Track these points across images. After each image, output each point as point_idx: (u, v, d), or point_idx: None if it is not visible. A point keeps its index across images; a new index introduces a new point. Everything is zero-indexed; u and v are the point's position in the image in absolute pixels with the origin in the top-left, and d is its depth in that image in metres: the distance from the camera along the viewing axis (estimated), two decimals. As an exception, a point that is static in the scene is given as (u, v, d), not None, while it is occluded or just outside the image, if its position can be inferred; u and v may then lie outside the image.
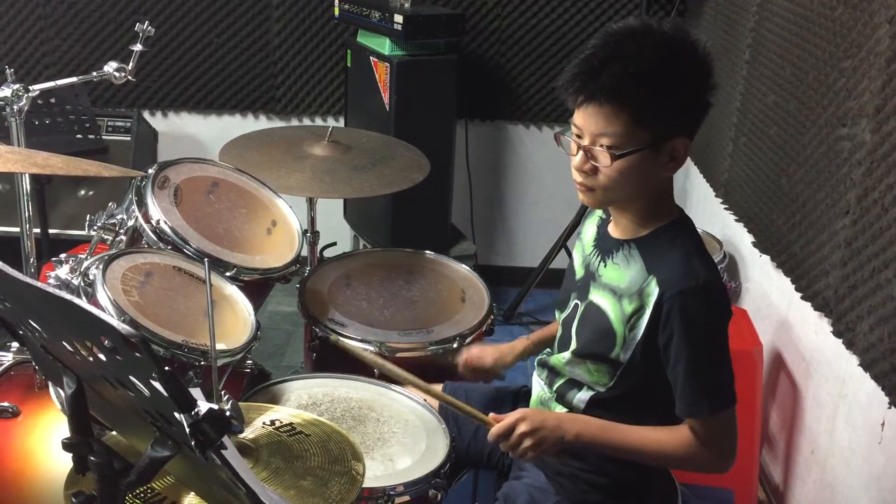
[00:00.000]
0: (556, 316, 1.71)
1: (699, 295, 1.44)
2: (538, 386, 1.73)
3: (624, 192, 1.48)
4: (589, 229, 1.69)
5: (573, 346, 1.61)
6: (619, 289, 1.52)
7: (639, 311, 1.48)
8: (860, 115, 1.97)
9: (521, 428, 1.52)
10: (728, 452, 1.50)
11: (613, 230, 1.59)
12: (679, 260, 1.46)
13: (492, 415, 1.58)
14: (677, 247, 1.49)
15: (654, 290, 1.46)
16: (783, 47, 2.46)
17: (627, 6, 3.46)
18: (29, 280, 0.93)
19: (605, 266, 1.57)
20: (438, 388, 1.85)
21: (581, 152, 1.46)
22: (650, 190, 1.50)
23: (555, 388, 1.66)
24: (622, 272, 1.53)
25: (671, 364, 1.47)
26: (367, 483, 1.45)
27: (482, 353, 1.88)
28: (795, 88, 2.35)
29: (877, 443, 1.91)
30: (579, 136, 1.46)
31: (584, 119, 1.43)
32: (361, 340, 2.02)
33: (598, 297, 1.57)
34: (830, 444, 2.14)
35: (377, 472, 1.60)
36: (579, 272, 1.65)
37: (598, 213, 1.67)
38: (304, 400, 1.80)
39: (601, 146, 1.42)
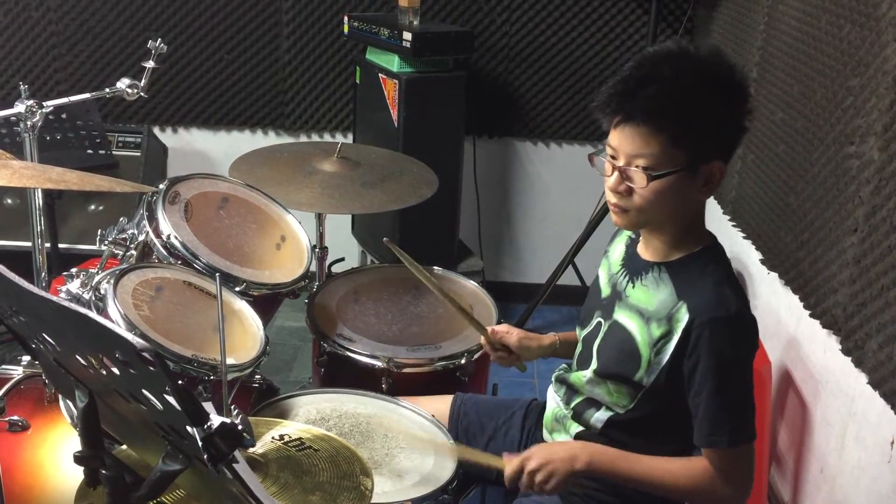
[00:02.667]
0: (578, 333, 1.71)
1: (729, 325, 1.44)
2: (554, 402, 1.73)
3: (658, 214, 1.47)
4: (617, 248, 1.68)
5: (594, 365, 1.60)
6: (648, 311, 1.52)
7: (667, 336, 1.48)
8: (868, 133, 1.97)
9: (530, 466, 1.53)
10: (743, 487, 1.49)
11: (643, 251, 1.59)
12: (711, 288, 1.46)
13: (505, 456, 1.58)
14: (709, 274, 1.48)
15: (683, 317, 1.45)
16: (791, 65, 2.47)
17: (635, 24, 3.48)
18: (45, 294, 0.94)
19: (633, 287, 1.57)
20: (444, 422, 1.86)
21: (616, 173, 1.45)
22: (683, 213, 1.49)
23: (572, 406, 1.66)
24: (651, 295, 1.53)
25: (694, 392, 1.46)
26: (376, 498, 1.45)
27: (509, 331, 1.85)
28: (803, 106, 2.36)
29: (886, 461, 1.90)
30: (614, 157, 1.46)
31: (621, 139, 1.43)
32: (370, 356, 2.03)
33: (623, 317, 1.56)
34: (840, 463, 2.13)
35: (385, 488, 1.60)
36: (605, 290, 1.65)
37: (627, 232, 1.67)
38: (312, 415, 1.80)
39: (637, 167, 1.42)
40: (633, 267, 1.59)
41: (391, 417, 1.82)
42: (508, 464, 1.56)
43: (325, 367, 2.09)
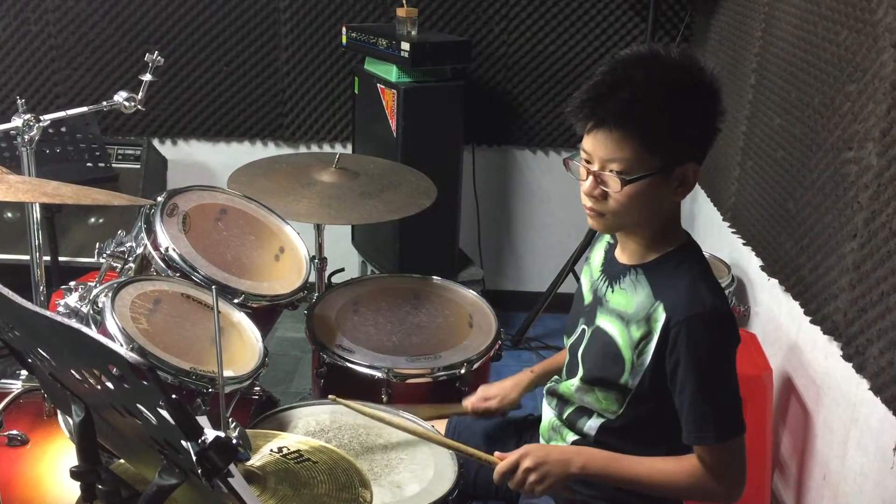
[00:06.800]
0: (564, 342, 1.71)
1: (705, 321, 1.43)
2: (549, 412, 1.72)
3: (633, 217, 1.48)
4: (597, 254, 1.69)
5: (580, 372, 1.60)
6: (627, 314, 1.52)
7: (646, 338, 1.48)
8: (866, 138, 1.97)
9: (525, 463, 1.52)
10: (736, 482, 1.49)
11: (620, 255, 1.59)
12: (686, 286, 1.46)
13: (496, 454, 1.57)
14: (684, 272, 1.49)
15: (661, 317, 1.45)
16: (788, 71, 2.47)
17: (633, 32, 3.48)
18: (38, 309, 0.93)
19: (612, 291, 1.57)
20: (441, 428, 1.86)
21: (591, 177, 1.46)
22: (659, 215, 1.50)
23: (565, 417, 1.66)
24: (629, 298, 1.53)
25: (678, 390, 1.46)
26: (375, 510, 1.44)
27: (487, 396, 1.86)
28: (801, 112, 2.36)
29: (889, 468, 1.90)
30: (588, 162, 1.46)
31: (594, 144, 1.44)
32: (369, 366, 2.03)
33: (605, 322, 1.56)
34: (842, 469, 2.12)
35: (385, 500, 1.59)
36: (587, 297, 1.65)
37: (606, 238, 1.67)
38: (311, 426, 1.80)
39: (611, 171, 1.42)
40: (612, 271, 1.59)
41: (391, 428, 1.81)
42: (502, 460, 1.55)
43: (325, 377, 2.09)
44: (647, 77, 1.39)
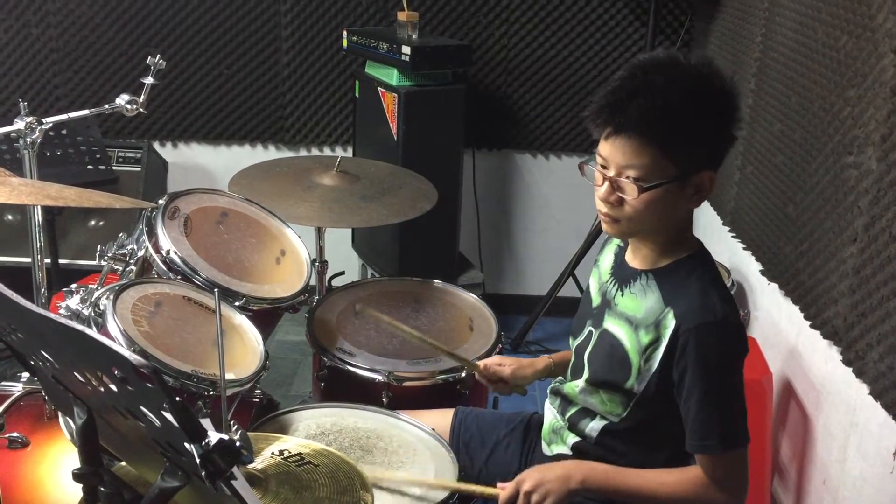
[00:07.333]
0: (570, 343, 1.71)
1: (715, 331, 1.43)
2: (550, 414, 1.73)
3: (648, 223, 1.47)
4: (607, 257, 1.69)
5: (586, 374, 1.60)
6: (636, 319, 1.52)
7: (655, 343, 1.48)
8: (866, 143, 1.97)
9: (525, 487, 1.53)
10: (738, 493, 1.49)
11: (631, 259, 1.59)
12: (697, 294, 1.46)
13: (499, 484, 1.58)
14: (695, 280, 1.48)
15: (670, 323, 1.45)
16: (788, 76, 2.47)
17: (633, 36, 3.49)
18: (42, 311, 0.94)
19: (621, 295, 1.57)
20: (446, 422, 1.87)
21: (606, 183, 1.45)
22: (673, 222, 1.49)
23: (567, 417, 1.66)
24: (639, 302, 1.53)
25: (683, 398, 1.46)
26: (376, 514, 1.44)
27: (501, 363, 1.87)
28: (801, 117, 2.36)
29: (889, 472, 1.90)
30: (604, 167, 1.45)
31: (612, 150, 1.43)
32: (370, 370, 2.03)
33: (613, 325, 1.56)
34: (842, 474, 2.12)
35: (386, 503, 1.59)
36: (595, 300, 1.65)
37: (617, 241, 1.67)
38: (312, 429, 1.80)
39: (628, 178, 1.42)
40: (622, 275, 1.59)
41: (391, 431, 1.82)
42: (503, 489, 1.56)
43: (326, 381, 2.09)
44: (668, 84, 1.38)
